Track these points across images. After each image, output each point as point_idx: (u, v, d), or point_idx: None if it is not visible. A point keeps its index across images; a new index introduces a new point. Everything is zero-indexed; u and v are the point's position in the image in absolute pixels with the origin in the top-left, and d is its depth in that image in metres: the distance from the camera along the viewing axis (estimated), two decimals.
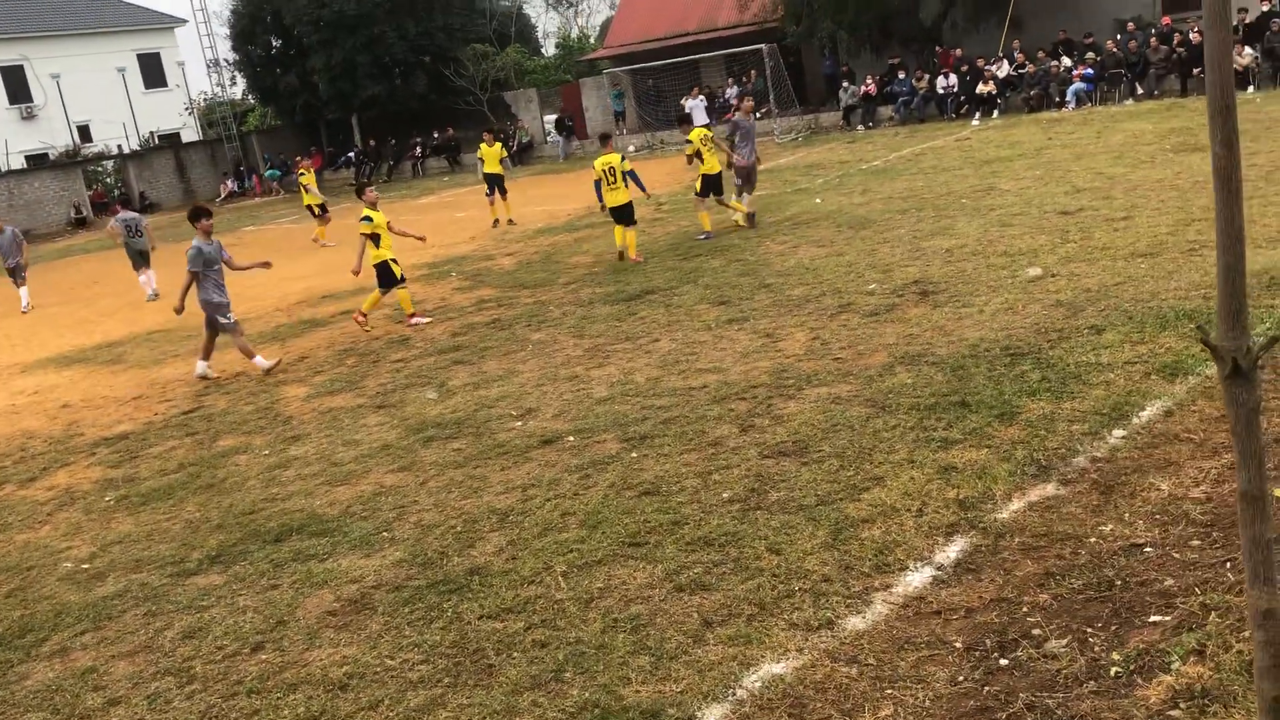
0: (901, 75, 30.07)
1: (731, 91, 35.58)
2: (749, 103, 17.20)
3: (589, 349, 10.04)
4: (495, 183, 21.36)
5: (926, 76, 29.22)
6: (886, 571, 4.94)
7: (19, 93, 49.62)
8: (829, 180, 19.61)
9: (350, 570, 5.94)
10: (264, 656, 5.13)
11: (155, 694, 4.95)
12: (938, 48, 30.30)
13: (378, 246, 12.53)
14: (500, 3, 52.19)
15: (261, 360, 11.26)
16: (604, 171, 14.17)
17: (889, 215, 14.62)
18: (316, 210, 23.15)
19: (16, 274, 19.64)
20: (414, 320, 12.58)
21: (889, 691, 4.04)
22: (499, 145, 22.31)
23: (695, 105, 31.17)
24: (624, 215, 14.27)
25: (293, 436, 8.81)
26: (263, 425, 9.32)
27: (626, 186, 14.27)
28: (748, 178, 15.98)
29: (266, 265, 12.59)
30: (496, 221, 21.08)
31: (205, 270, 11.30)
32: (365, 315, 12.69)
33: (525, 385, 9.14)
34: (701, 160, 15.16)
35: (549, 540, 5.86)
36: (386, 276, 12.64)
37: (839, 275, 11.40)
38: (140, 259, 18.84)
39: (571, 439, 7.51)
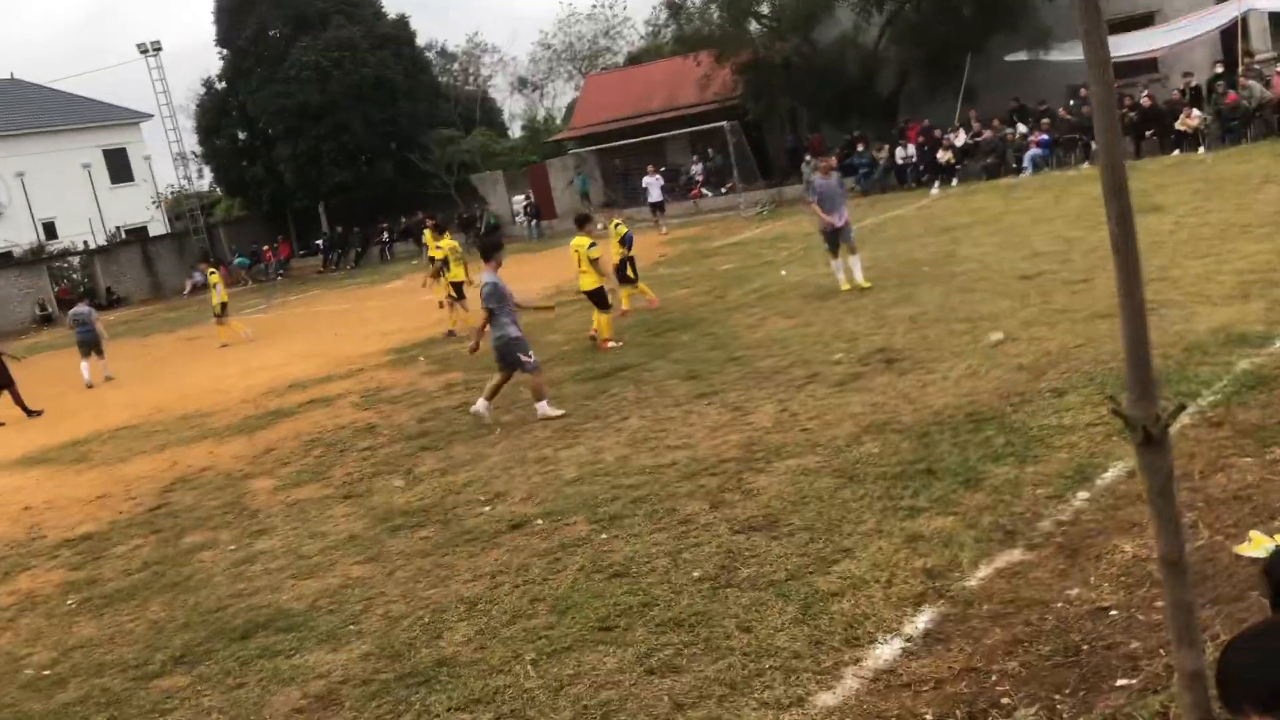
0: (861, 148, 30.65)
1: (696, 168, 36.19)
2: (827, 162, 16.06)
3: (558, 429, 10.03)
4: (457, 288, 20.15)
5: (886, 147, 29.81)
6: (856, 645, 4.91)
7: None
8: (794, 252, 19.86)
9: (317, 665, 5.83)
10: None
11: None
12: (901, 120, 30.98)
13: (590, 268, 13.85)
14: (465, 88, 53.05)
15: (548, 408, 10.55)
16: (574, 254, 14.23)
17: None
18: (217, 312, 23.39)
19: None
20: (608, 345, 13.65)
21: None
22: (446, 236, 19.96)
23: (651, 182, 31.63)
24: (595, 299, 14.20)
25: (259, 530, 8.71)
26: (229, 520, 9.21)
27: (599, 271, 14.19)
28: (838, 238, 14.65)
29: (550, 309, 14.05)
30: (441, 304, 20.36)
31: (500, 306, 10.48)
32: (603, 338, 13.88)
33: (493, 469, 9.10)
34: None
35: (518, 628, 5.79)
36: (600, 298, 13.96)
37: (806, 346, 11.50)
38: (84, 349, 20.17)
39: (540, 522, 7.46)
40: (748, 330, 13.06)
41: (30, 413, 17.56)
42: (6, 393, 17.68)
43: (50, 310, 42.05)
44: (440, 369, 14.60)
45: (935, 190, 26.73)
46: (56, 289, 44.20)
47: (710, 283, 18.00)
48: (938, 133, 28.55)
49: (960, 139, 28.35)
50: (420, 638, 5.92)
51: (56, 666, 6.63)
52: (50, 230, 49.94)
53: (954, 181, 27.39)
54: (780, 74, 31.35)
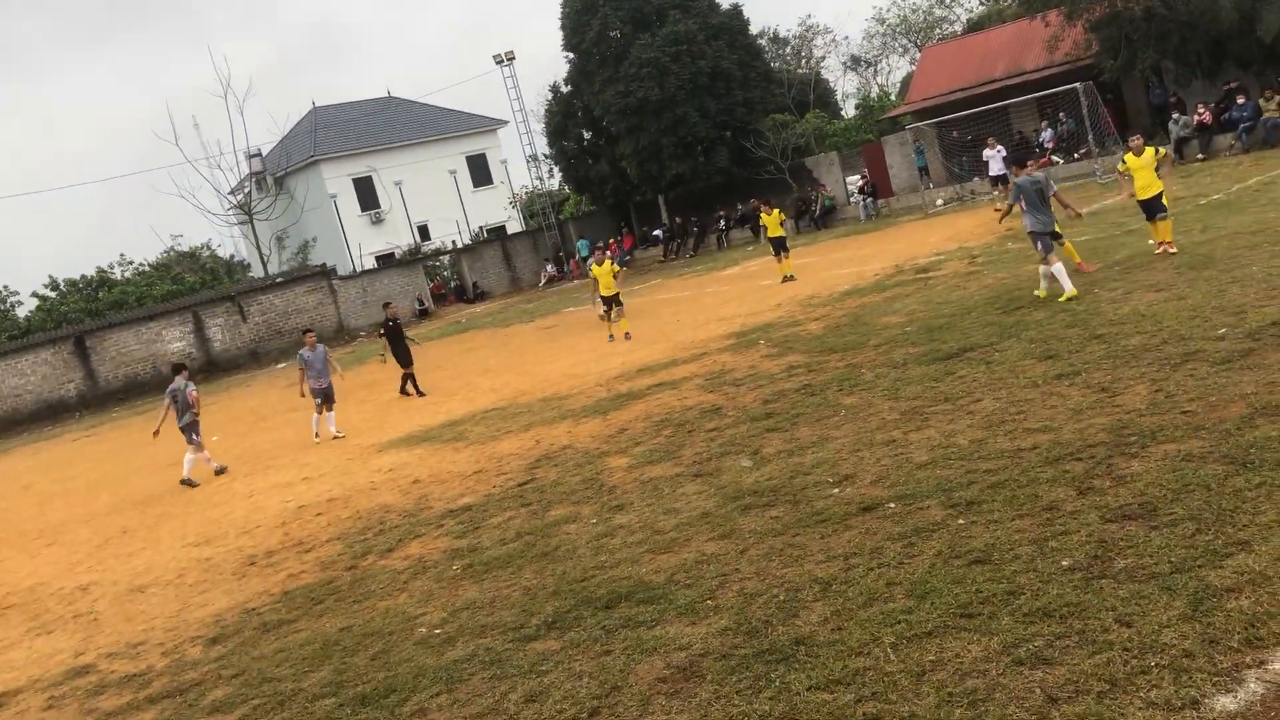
0: (1241, 100, 27.53)
1: (1046, 135, 34.01)
2: (1032, 164, 14.82)
3: (905, 411, 9.78)
4: (779, 245, 24.44)
5: (1276, 97, 26.56)
6: (1259, 646, 4.41)
7: (368, 200, 55.82)
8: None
9: (678, 637, 6.04)
10: None
11: None
12: None
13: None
14: (798, 71, 53.00)
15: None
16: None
17: (1236, 252, 13.32)
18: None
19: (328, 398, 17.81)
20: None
21: None
22: (777, 211, 25.21)
23: (993, 155, 29.82)
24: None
25: (617, 505, 9.15)
26: (589, 495, 9.75)
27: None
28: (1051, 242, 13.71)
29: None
30: (785, 278, 23.66)
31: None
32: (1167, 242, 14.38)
33: (840, 451, 9.02)
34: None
35: (875, 610, 5.70)
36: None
37: (1181, 321, 10.48)
38: (188, 431, 16.21)
39: (892, 506, 7.31)
40: (1110, 305, 12.09)
41: (419, 393, 19.86)
42: (408, 374, 20.48)
43: (427, 304, 46.49)
44: (781, 352, 14.68)
45: None
46: (431, 285, 48.86)
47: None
48: None
49: None
50: (776, 615, 5.97)
51: (445, 626, 7.30)
52: (424, 232, 55.30)
53: None
54: (1141, 26, 28.71)
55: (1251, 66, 28.41)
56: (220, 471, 16.51)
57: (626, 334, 21.00)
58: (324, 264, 48.05)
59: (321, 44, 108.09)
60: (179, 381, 16.59)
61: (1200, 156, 27.49)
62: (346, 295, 45.35)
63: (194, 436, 16.33)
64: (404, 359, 20.63)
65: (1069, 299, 12.83)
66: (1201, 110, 28.35)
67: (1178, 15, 28.16)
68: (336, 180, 54.82)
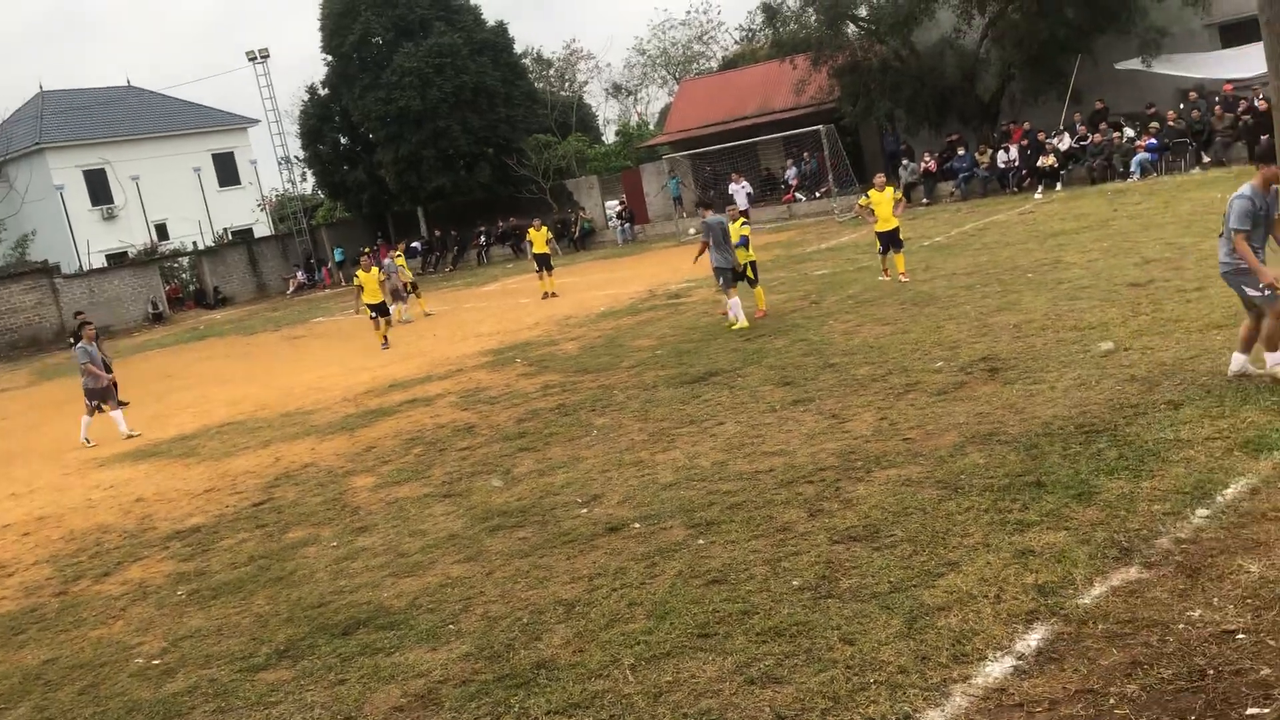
0: (961, 151, 30.08)
1: (790, 172, 35.89)
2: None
3: (654, 433, 10.01)
4: (543, 262, 25.09)
5: (990, 151, 29.18)
6: (965, 661, 4.77)
7: (100, 194, 51.77)
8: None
9: (417, 664, 5.89)
10: None
11: None
12: (1004, 123, 30.32)
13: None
14: (561, 94, 53.54)
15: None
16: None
17: (953, 291, 14.49)
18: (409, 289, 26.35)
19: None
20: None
21: None
22: (544, 229, 25.99)
23: (738, 189, 31.40)
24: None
25: (360, 527, 8.86)
26: (331, 516, 9.39)
27: None
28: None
29: None
30: (545, 295, 24.20)
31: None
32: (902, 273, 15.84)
33: (590, 471, 9.11)
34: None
35: (616, 631, 5.77)
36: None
37: (905, 353, 11.29)
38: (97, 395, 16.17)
39: (637, 526, 7.44)
40: (843, 337, 12.87)
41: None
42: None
43: (161, 309, 43.61)
44: (537, 371, 14.71)
45: (1039, 195, 26.08)
46: (167, 288, 45.85)
47: (804, 288, 17.82)
48: (1041, 136, 27.85)
49: (1065, 143, 27.61)
50: (519, 639, 5.94)
51: (166, 656, 6.81)
52: (162, 231, 51.84)
53: (1058, 186, 26.69)
54: (878, 77, 30.93)
55: (971, 122, 31.12)
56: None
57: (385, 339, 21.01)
58: (45, 260, 44.13)
59: (50, 22, 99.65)
60: (85, 344, 16.24)
61: (925, 201, 29.79)
62: (70, 295, 41.77)
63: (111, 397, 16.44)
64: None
65: (739, 328, 14.78)
66: (928, 159, 30.77)
67: (909, 69, 30.51)
68: (64, 171, 50.46)
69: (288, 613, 7.14)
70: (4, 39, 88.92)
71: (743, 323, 14.90)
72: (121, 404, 17.17)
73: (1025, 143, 28.40)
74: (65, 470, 14.15)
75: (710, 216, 15.88)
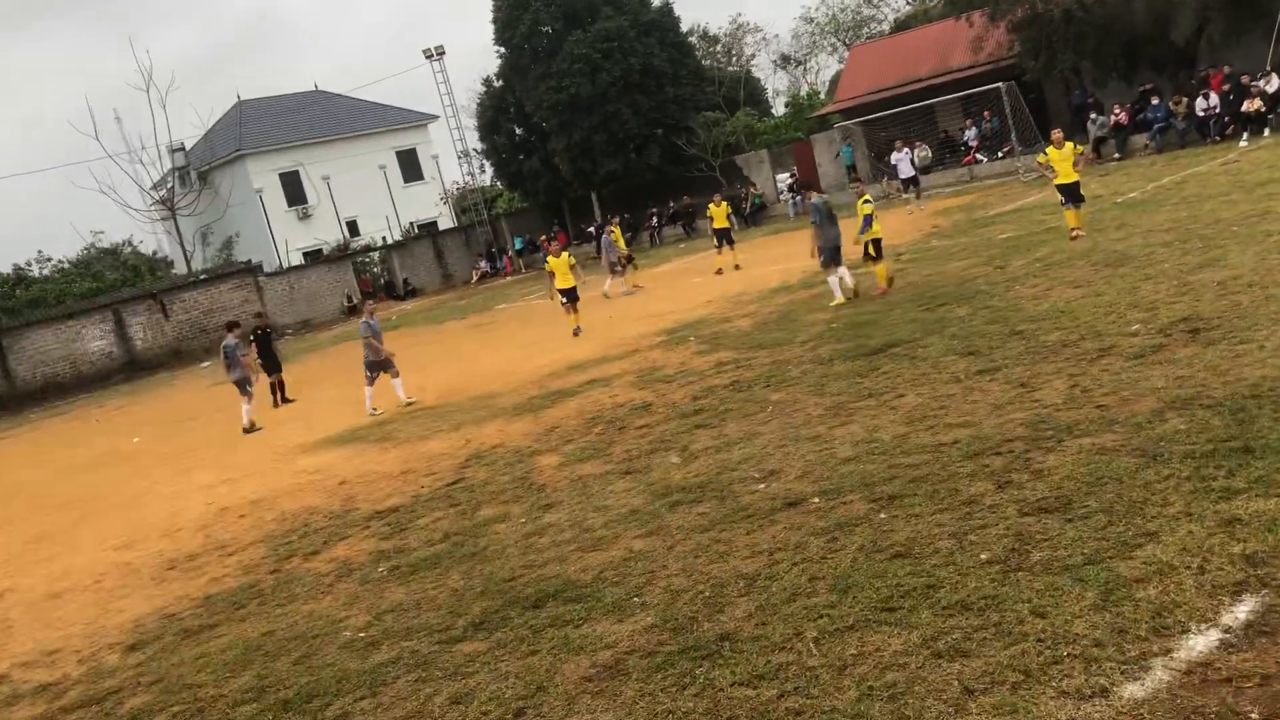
0: (1155, 101, 28.32)
1: (970, 133, 34.62)
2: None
3: (830, 407, 9.90)
4: (723, 236, 25.41)
5: (1185, 99, 27.38)
6: (1166, 635, 4.55)
7: (295, 195, 54.86)
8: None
9: (604, 636, 6.05)
10: None
11: None
12: (1202, 69, 28.37)
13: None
14: (728, 69, 53.29)
15: None
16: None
17: (1150, 249, 13.70)
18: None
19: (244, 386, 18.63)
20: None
21: None
22: (724, 204, 26.25)
23: (901, 158, 30.02)
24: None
25: (547, 504, 9.13)
26: (519, 494, 9.71)
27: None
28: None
29: None
30: (719, 270, 24.46)
31: None
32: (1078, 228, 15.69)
33: (767, 447, 9.10)
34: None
35: (798, 605, 5.77)
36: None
37: (1098, 317, 10.76)
38: (241, 385, 18.41)
39: (816, 501, 7.40)
40: (1031, 302, 12.37)
41: (285, 400, 20.88)
42: (274, 381, 21.05)
43: (355, 301, 45.92)
44: (710, 349, 14.76)
45: (1244, 143, 24.31)
46: (359, 281, 48.25)
47: (988, 252, 17.19)
48: (1245, 79, 25.90)
49: (1274, 85, 25.59)
50: (702, 612, 6.01)
51: (370, 629, 7.22)
52: (353, 228, 54.53)
53: (1265, 132, 24.80)
54: (1060, 29, 29.42)
55: (1165, 70, 29.24)
56: (250, 430, 17.93)
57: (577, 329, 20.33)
58: (249, 260, 47.16)
59: (245, 37, 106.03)
60: (230, 340, 18.61)
61: (1116, 156, 28.22)
62: (273, 292, 44.58)
63: (247, 389, 18.44)
64: (271, 367, 20.76)
65: (837, 305, 15.38)
66: (1118, 111, 29.10)
67: (1094, 18, 28.88)
68: (262, 175, 53.79)
69: (481, 587, 7.44)
70: (203, 58, 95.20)
71: (839, 299, 15.57)
72: (283, 399, 20.34)
73: (1227, 87, 26.48)
74: (274, 457, 15.12)
75: (815, 198, 16.74)
